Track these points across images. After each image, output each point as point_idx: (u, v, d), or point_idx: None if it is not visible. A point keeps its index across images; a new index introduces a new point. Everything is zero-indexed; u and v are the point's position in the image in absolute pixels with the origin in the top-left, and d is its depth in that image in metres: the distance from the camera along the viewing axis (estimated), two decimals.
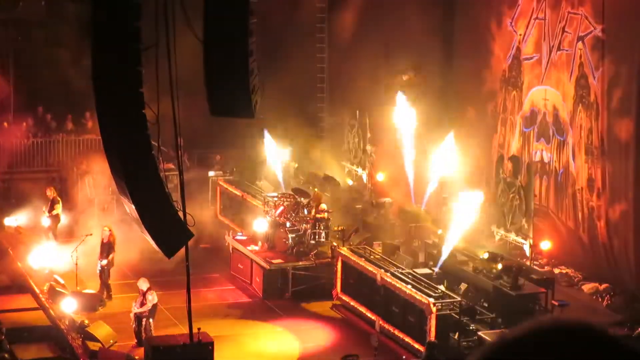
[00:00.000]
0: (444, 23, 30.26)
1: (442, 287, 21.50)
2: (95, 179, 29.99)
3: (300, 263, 24.92)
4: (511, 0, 27.93)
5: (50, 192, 27.41)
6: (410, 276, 22.23)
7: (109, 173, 16.60)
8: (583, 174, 25.31)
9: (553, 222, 26.54)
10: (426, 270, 23.05)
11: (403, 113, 29.20)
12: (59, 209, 27.19)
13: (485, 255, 22.73)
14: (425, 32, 30.05)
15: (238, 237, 26.60)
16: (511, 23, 27.92)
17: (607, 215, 24.52)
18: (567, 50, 25.79)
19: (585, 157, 25.16)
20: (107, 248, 23.91)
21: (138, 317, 21.31)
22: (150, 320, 21.27)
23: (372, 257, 23.98)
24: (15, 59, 32.32)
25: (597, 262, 24.97)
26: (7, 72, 32.28)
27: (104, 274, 23.97)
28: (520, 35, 27.55)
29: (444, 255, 22.86)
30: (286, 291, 24.58)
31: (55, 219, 27.11)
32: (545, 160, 26.87)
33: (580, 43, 25.22)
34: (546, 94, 26.72)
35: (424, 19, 30.05)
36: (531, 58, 27.23)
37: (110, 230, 24.12)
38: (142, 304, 21.24)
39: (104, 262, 23.82)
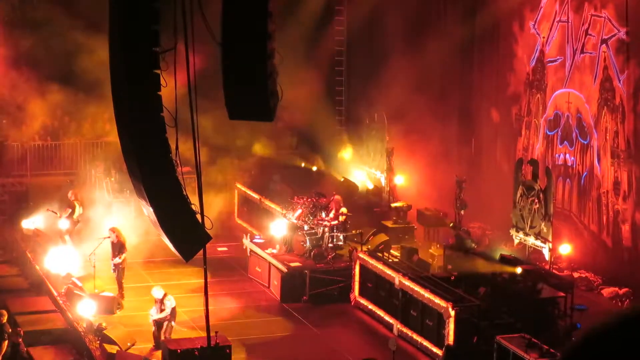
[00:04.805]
0: (466, 25, 30.13)
1: (460, 291, 21.40)
2: (113, 181, 30.04)
3: (318, 266, 24.85)
4: (533, 3, 27.80)
5: (72, 195, 27.49)
6: (428, 280, 22.13)
7: (127, 175, 16.59)
8: (609, 177, 25.18)
9: (575, 226, 26.41)
10: (444, 274, 22.95)
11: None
12: (77, 212, 27.22)
13: (498, 258, 22.71)
14: (446, 35, 29.96)
15: (256, 240, 26.54)
16: (534, 26, 27.79)
17: (634, 219, 24.38)
18: (590, 53, 25.66)
19: (611, 160, 25.02)
20: (118, 248, 23.99)
21: (158, 322, 21.27)
22: (173, 323, 21.22)
23: (390, 260, 23.89)
24: (34, 62, 32.35)
25: (619, 266, 24.82)
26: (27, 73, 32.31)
27: (118, 272, 24.04)
28: (544, 38, 27.43)
29: None
30: (304, 294, 24.50)
31: (74, 221, 27.15)
32: (569, 163, 26.75)
33: (604, 46, 25.10)
34: (569, 97, 26.60)
35: (445, 21, 29.96)
36: (555, 61, 27.11)
37: (115, 231, 24.17)
38: (161, 311, 21.18)
39: (116, 260, 23.91)
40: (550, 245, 24.19)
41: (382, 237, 26.64)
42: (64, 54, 31.22)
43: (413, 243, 26.96)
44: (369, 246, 25.61)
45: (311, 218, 25.78)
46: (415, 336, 21.60)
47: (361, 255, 24.07)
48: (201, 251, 15.96)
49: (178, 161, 15.13)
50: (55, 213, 27.19)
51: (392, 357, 19.63)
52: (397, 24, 31.78)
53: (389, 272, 22.82)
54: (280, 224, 26.14)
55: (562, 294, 21.57)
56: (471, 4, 30.19)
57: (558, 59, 26.98)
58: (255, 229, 28.24)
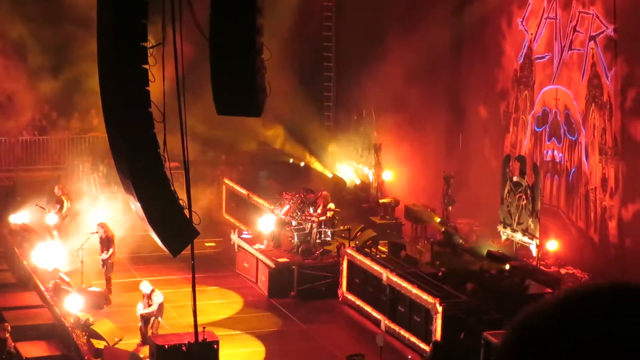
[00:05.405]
0: (454, 22, 30.10)
1: (448, 287, 21.43)
2: (101, 176, 29.98)
3: (306, 262, 24.84)
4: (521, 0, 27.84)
5: (58, 190, 27.41)
6: (416, 276, 22.15)
7: (115, 170, 16.56)
8: (596, 173, 25.23)
9: (563, 222, 26.45)
10: (432, 270, 22.98)
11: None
12: (65, 207, 27.16)
13: (485, 254, 22.75)
14: (434, 32, 29.92)
15: (244, 236, 26.53)
16: (522, 22, 27.81)
17: (620, 215, 24.45)
18: (578, 50, 25.71)
19: (599, 156, 25.08)
20: (106, 243, 23.96)
21: (145, 317, 21.25)
22: (159, 318, 21.22)
23: (378, 256, 23.90)
24: (23, 54, 32.25)
25: (606, 263, 24.87)
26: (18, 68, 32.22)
27: (106, 268, 24.00)
28: (532, 34, 27.46)
29: None
30: (292, 290, 24.50)
31: (62, 217, 27.09)
32: (557, 160, 26.80)
33: (592, 43, 25.15)
34: (557, 94, 26.64)
35: (434, 18, 29.94)
36: (543, 57, 27.14)
37: (104, 226, 24.13)
38: (149, 306, 21.16)
39: (104, 255, 23.87)
40: (538, 241, 24.24)
41: (370, 233, 26.65)
42: (53, 46, 31.13)
43: (401, 239, 26.98)
44: (357, 242, 25.61)
45: (299, 214, 25.78)
46: (402, 332, 21.63)
47: (349, 251, 24.09)
48: (189, 246, 15.97)
49: (166, 156, 15.12)
50: (44, 209, 27.12)
51: (379, 352, 19.67)
52: (386, 20, 31.79)
53: (376, 268, 22.84)
54: (268, 220, 26.13)
55: (549, 290, 21.62)
56: (459, 0, 30.20)
57: (546, 55, 27.02)
58: (243, 224, 28.22)
